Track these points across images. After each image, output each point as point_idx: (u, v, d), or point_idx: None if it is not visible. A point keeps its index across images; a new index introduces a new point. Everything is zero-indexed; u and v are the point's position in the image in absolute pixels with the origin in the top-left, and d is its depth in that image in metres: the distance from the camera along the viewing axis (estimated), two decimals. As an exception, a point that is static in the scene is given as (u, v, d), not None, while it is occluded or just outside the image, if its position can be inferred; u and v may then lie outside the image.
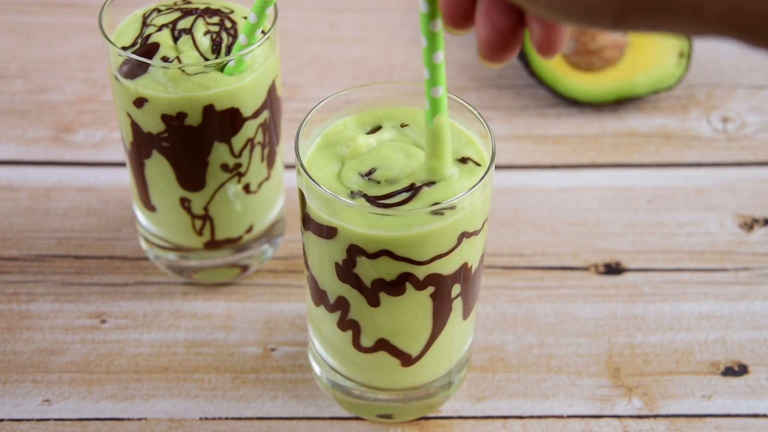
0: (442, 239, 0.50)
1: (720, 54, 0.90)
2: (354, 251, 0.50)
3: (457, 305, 0.55)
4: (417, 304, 0.53)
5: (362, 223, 0.49)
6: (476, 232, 0.52)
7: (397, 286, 0.52)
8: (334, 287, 0.54)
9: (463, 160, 0.52)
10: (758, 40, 0.31)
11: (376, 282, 0.52)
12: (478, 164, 0.52)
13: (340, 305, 0.54)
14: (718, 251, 0.72)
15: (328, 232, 0.51)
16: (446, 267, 0.52)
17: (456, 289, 0.54)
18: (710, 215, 0.75)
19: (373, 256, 0.50)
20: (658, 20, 0.32)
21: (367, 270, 0.51)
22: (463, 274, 0.53)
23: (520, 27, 0.38)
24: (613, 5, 0.32)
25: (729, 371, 0.65)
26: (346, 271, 0.52)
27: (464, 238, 0.51)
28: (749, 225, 0.74)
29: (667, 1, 0.31)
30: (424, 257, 0.50)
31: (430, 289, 0.52)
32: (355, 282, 0.52)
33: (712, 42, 0.89)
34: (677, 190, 0.77)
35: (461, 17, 0.38)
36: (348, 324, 0.55)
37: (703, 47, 0.90)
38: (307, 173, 0.50)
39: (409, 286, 0.52)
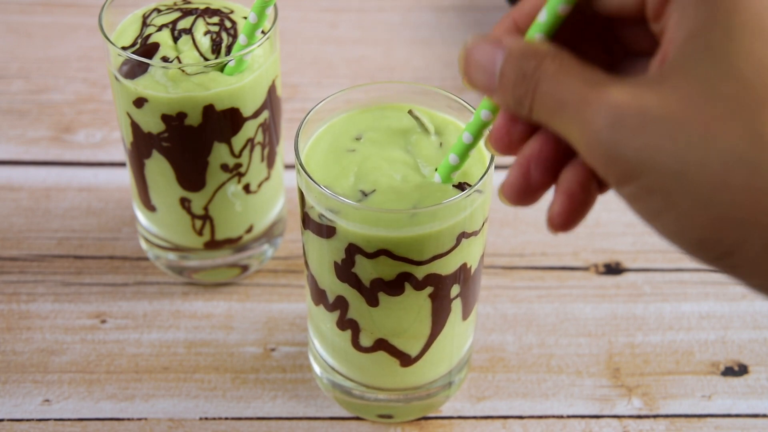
0: (441, 239, 0.50)
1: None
2: (353, 251, 0.50)
3: (457, 306, 0.55)
4: (416, 304, 0.53)
5: (361, 223, 0.49)
6: (475, 233, 0.52)
7: (395, 286, 0.51)
8: (333, 286, 0.54)
9: (460, 186, 0.51)
10: None
11: (374, 281, 0.52)
12: (470, 186, 0.51)
13: (339, 305, 0.54)
14: (718, 251, 0.72)
15: (327, 232, 0.51)
16: (445, 267, 0.52)
17: (455, 290, 0.54)
18: (710, 215, 0.75)
19: (372, 255, 0.50)
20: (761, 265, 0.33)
21: (366, 269, 0.51)
22: (463, 274, 0.53)
23: (548, 187, 0.38)
24: (724, 244, 0.33)
25: (729, 371, 0.64)
26: (344, 270, 0.52)
27: (463, 239, 0.51)
28: (749, 225, 0.74)
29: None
30: (423, 257, 0.50)
31: (429, 290, 0.52)
32: (354, 281, 0.52)
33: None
34: (677, 190, 0.77)
35: (506, 149, 0.40)
36: (347, 323, 0.55)
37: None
38: (306, 172, 0.50)
39: (407, 286, 0.52)
